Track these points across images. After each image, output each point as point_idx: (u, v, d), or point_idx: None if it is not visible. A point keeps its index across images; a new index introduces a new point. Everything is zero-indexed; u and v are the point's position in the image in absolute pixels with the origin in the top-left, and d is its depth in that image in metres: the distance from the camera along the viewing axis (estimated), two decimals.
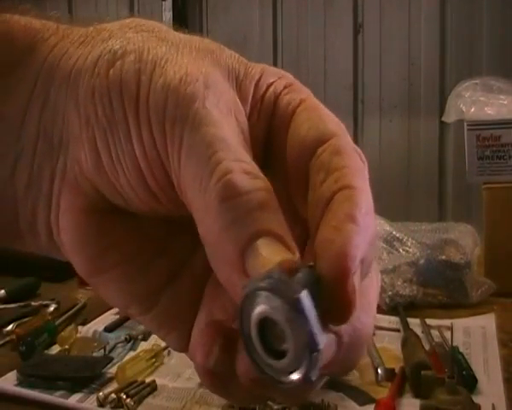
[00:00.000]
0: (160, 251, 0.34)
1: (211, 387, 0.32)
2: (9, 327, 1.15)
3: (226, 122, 0.30)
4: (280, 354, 0.28)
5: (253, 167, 0.29)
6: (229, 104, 0.31)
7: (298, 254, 0.29)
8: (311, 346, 0.27)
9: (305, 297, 0.26)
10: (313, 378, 0.27)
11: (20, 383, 0.96)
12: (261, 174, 0.30)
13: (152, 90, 0.30)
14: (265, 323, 0.28)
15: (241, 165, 0.29)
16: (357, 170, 0.30)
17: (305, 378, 0.27)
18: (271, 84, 0.33)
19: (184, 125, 0.29)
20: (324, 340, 0.27)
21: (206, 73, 0.31)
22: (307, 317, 0.26)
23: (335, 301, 0.27)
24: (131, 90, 0.31)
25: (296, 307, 0.26)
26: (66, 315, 1.19)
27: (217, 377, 0.32)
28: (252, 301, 0.27)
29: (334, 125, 0.32)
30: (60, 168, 0.33)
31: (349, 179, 0.30)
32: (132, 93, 0.31)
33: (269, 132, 0.33)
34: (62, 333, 1.11)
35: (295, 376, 0.28)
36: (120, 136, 0.31)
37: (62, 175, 0.33)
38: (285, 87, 0.33)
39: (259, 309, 0.27)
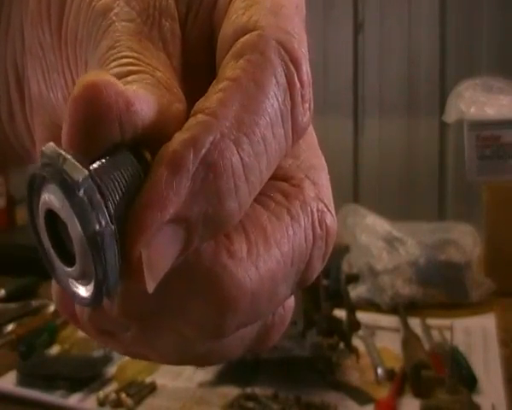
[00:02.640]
0: None
1: (66, 317, 0.28)
2: (9, 327, 1.15)
3: (133, 33, 0.25)
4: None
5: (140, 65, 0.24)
6: (149, 10, 0.26)
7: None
8: (93, 244, 0.21)
9: (88, 182, 0.21)
10: (112, 285, 0.21)
11: (20, 383, 0.96)
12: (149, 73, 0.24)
13: (72, 10, 0.27)
14: (55, 217, 0.22)
15: (119, 69, 0.24)
16: (244, 86, 0.23)
17: (98, 288, 0.21)
18: None
19: (88, 46, 0.26)
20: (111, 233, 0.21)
21: None
22: (85, 207, 0.21)
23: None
24: (56, 15, 0.28)
25: (71, 193, 0.21)
26: None
27: (67, 308, 0.27)
28: (37, 188, 0.22)
29: (265, 15, 0.24)
30: (27, 97, 0.32)
31: (216, 99, 0.23)
32: (57, 18, 0.28)
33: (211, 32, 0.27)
34: (62, 333, 1.11)
35: (87, 288, 0.22)
36: (50, 65, 0.29)
37: (30, 105, 0.32)
38: None
39: (42, 199, 0.22)
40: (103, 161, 0.22)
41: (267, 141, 0.23)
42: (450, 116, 1.39)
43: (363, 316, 1.08)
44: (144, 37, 0.25)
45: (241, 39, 0.24)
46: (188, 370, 1.00)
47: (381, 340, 1.10)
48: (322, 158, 0.28)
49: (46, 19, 0.29)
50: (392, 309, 1.21)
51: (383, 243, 1.30)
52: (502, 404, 0.90)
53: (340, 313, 1.03)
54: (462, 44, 2.60)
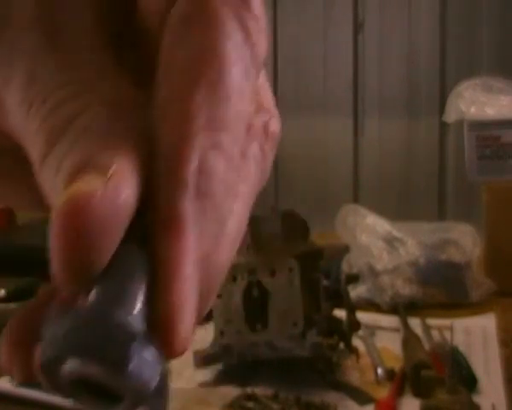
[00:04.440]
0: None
1: None
2: None
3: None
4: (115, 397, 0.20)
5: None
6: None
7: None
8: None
9: (135, 354, 0.19)
10: None
11: (20, 383, 0.96)
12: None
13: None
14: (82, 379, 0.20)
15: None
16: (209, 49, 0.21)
17: None
18: None
19: None
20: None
21: None
22: (146, 388, 0.19)
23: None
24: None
25: (127, 375, 0.19)
26: None
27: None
28: (56, 364, 0.20)
29: None
30: None
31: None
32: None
33: None
34: None
35: None
36: None
37: None
38: None
39: (69, 370, 0.19)
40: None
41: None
42: (450, 116, 1.39)
43: (363, 316, 1.08)
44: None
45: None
46: (188, 370, 1.00)
47: (381, 340, 1.10)
48: None
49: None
50: (392, 309, 1.21)
51: (383, 243, 1.30)
52: (502, 404, 0.90)
53: (340, 313, 1.03)
54: (462, 44, 2.60)
